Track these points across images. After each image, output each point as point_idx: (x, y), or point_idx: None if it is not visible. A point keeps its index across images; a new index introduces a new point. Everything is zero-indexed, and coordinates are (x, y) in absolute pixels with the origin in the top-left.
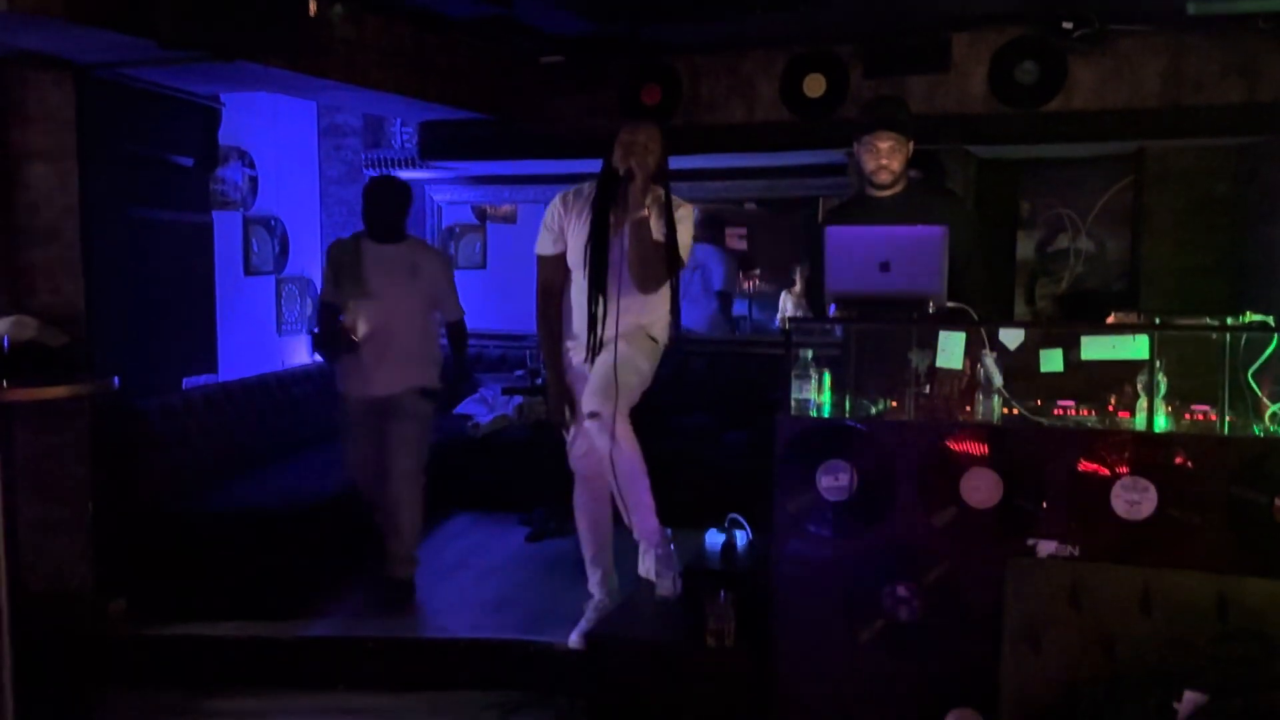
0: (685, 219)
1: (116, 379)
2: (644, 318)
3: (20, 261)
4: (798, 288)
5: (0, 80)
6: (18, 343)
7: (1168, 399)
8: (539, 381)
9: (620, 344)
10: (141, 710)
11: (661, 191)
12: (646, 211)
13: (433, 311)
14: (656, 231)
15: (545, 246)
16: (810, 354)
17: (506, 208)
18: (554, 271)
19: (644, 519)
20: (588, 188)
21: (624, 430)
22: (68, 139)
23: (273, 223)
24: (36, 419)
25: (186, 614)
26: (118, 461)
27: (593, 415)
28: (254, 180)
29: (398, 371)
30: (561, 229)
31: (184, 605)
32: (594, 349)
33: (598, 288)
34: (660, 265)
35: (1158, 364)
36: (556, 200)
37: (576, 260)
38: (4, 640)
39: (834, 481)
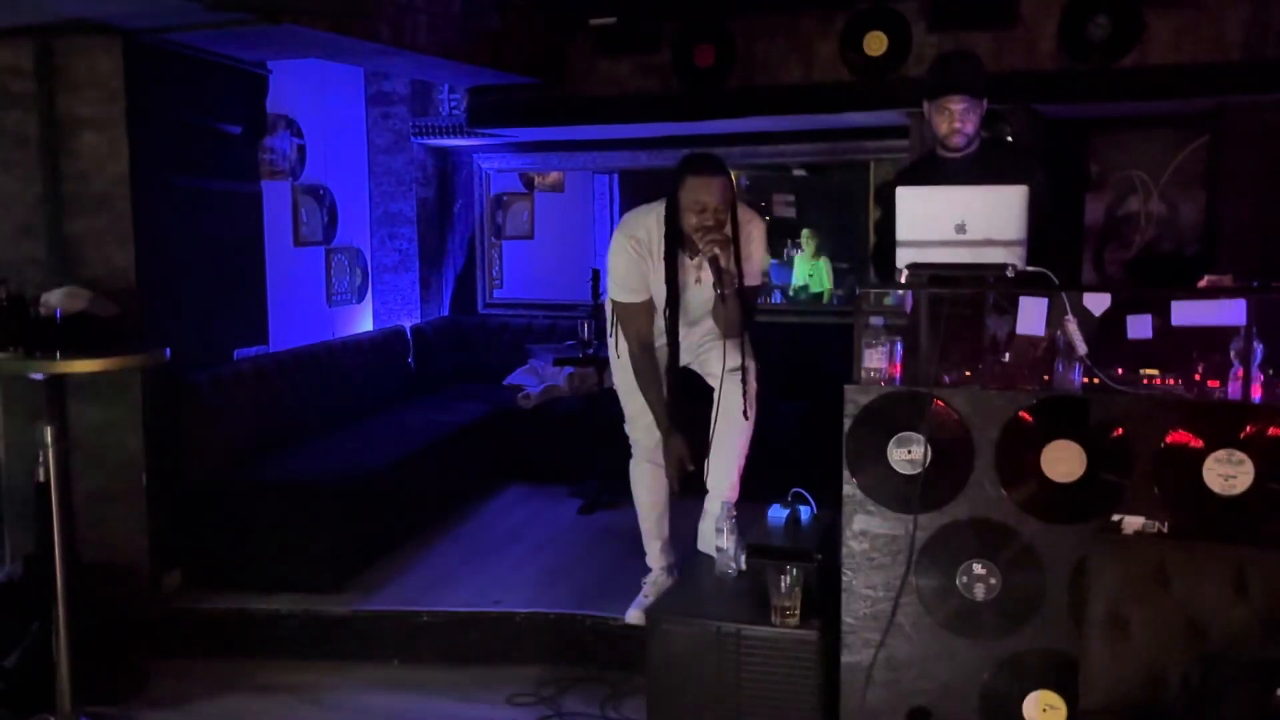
0: (757, 238)
1: (168, 350)
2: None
3: (70, 231)
4: None
5: (48, 48)
6: (70, 314)
7: (1263, 366)
8: (590, 352)
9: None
10: (195, 682)
11: (730, 229)
12: (729, 287)
13: None
14: (733, 280)
15: (634, 293)
16: (880, 321)
17: (554, 176)
18: (645, 319)
19: (737, 478)
20: (655, 231)
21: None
22: (116, 106)
23: (321, 192)
24: (90, 391)
25: (240, 586)
26: (170, 433)
27: (735, 369)
28: (302, 149)
29: None
30: (644, 274)
31: (238, 577)
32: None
33: (673, 342)
34: (742, 311)
35: (1253, 330)
36: (627, 245)
37: (660, 301)
38: (61, 612)
39: (906, 455)
